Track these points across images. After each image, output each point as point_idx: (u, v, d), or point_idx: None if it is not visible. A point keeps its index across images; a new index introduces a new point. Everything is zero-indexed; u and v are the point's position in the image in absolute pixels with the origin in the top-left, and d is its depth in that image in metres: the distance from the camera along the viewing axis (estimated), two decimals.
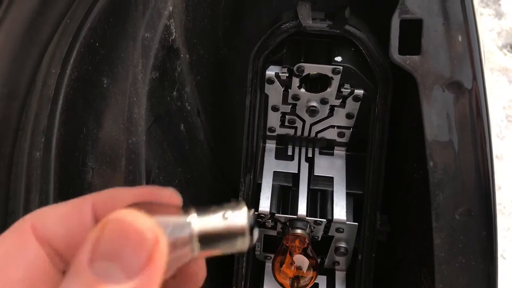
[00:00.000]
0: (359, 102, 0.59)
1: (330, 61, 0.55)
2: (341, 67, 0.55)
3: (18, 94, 0.44)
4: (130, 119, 0.52)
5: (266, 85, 0.59)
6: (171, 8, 0.51)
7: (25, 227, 0.26)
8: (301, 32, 0.56)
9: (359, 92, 0.58)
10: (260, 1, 0.65)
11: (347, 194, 0.64)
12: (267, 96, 0.60)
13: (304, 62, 0.55)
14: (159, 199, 0.27)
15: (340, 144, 0.67)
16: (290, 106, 0.61)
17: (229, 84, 0.69)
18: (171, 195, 0.27)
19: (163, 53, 0.52)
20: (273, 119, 0.64)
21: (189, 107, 0.60)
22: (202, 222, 0.25)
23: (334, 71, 0.55)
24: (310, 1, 0.57)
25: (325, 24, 0.54)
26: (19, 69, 0.44)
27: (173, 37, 0.53)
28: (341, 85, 0.57)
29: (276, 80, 0.58)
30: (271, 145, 0.68)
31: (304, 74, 0.56)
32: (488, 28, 2.03)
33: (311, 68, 0.55)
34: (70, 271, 0.22)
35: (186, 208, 0.25)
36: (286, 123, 0.64)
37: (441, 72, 0.52)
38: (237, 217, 0.25)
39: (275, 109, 0.62)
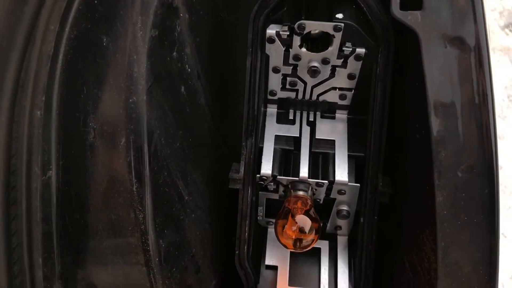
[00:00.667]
0: (361, 61, 0.59)
1: (331, 18, 0.55)
2: (342, 24, 0.54)
3: (16, 47, 0.44)
4: (130, 77, 0.52)
5: (267, 44, 0.58)
6: None
7: None
8: None
9: (361, 50, 0.57)
10: None
11: (349, 157, 0.64)
12: (267, 57, 0.60)
13: (305, 19, 0.55)
14: None
15: (342, 107, 0.67)
16: (291, 67, 0.61)
17: (229, 47, 0.68)
18: None
19: (162, 11, 0.52)
20: (274, 81, 0.63)
21: (189, 69, 0.60)
22: None
23: (336, 28, 0.54)
24: None
25: None
26: (16, 21, 0.43)
27: None
28: (342, 44, 0.57)
29: (277, 39, 0.57)
30: (272, 110, 0.68)
31: (305, 32, 0.56)
32: (490, 8, 2.01)
33: (312, 26, 0.55)
34: None
35: None
36: (287, 86, 0.64)
37: (443, 28, 0.52)
38: None
39: (276, 70, 0.61)
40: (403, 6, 0.52)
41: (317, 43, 0.58)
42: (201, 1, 0.59)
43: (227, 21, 0.66)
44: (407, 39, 0.58)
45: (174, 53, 0.56)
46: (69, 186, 0.53)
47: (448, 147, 0.53)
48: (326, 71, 0.61)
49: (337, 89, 0.64)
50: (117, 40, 0.51)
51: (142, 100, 0.53)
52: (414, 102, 0.60)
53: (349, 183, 0.62)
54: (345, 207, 0.67)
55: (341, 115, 0.68)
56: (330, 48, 0.57)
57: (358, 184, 0.63)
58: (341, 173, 0.62)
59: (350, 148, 0.65)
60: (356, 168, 0.65)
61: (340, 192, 0.64)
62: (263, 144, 0.65)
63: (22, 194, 0.50)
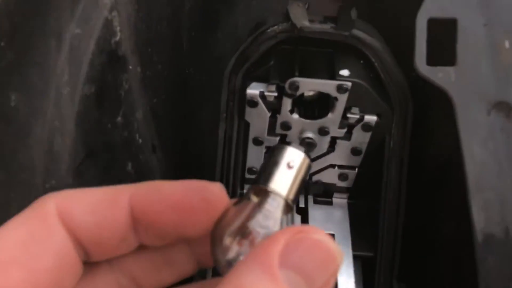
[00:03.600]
0: (370, 133, 0.44)
1: (333, 76, 0.41)
2: (349, 83, 0.40)
3: None
4: (49, 153, 0.36)
5: (247, 108, 0.44)
6: None
7: (49, 209, 0.23)
8: (294, 39, 0.42)
9: (371, 118, 0.43)
10: (235, 8, 0.51)
11: (354, 257, 0.48)
12: (247, 125, 0.45)
13: (299, 76, 0.40)
14: (208, 196, 0.24)
15: (341, 190, 0.52)
16: (278, 138, 0.46)
17: (196, 111, 0.53)
18: (219, 191, 0.25)
19: (102, 60, 0.37)
20: (255, 156, 0.48)
21: (140, 140, 0.44)
22: (285, 194, 0.24)
23: (340, 89, 0.40)
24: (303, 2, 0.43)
25: (328, 25, 0.40)
26: None
27: (117, 39, 0.38)
28: (347, 109, 0.43)
29: (260, 101, 0.43)
30: None
31: (298, 93, 0.41)
32: None
33: (308, 85, 0.41)
34: (247, 267, 0.20)
35: (247, 196, 0.24)
36: None
37: (484, 89, 0.39)
38: (294, 156, 0.25)
39: (258, 142, 0.46)
40: (431, 60, 0.39)
41: (313, 107, 0.44)
42: (160, 51, 0.44)
43: (194, 78, 0.51)
44: (431, 101, 0.45)
45: (119, 118, 0.41)
46: None
47: (498, 251, 0.38)
48: (323, 144, 0.46)
49: (337, 167, 0.49)
50: (32, 99, 0.35)
51: (66, 185, 0.36)
52: (441, 184, 0.46)
53: None
54: None
55: (340, 199, 0.52)
56: (330, 115, 0.43)
57: None
58: (346, 281, 0.46)
59: (355, 245, 0.49)
60: (364, 271, 0.49)
61: None
62: None
63: None
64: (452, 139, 0.41)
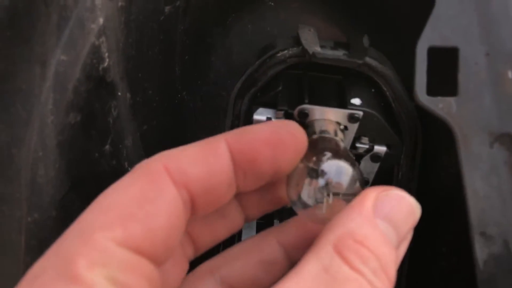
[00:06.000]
0: (379, 163, 0.43)
1: (345, 104, 0.39)
2: (361, 113, 0.39)
3: None
4: (32, 184, 0.34)
5: None
6: (101, 20, 0.34)
7: (157, 168, 0.23)
8: (304, 64, 0.40)
9: (381, 149, 0.42)
10: (229, 30, 0.50)
11: None
12: None
13: (309, 103, 0.39)
14: (292, 130, 0.27)
15: None
16: None
17: (190, 137, 0.52)
18: (299, 127, 0.27)
19: (88, 87, 0.35)
20: None
21: (129, 168, 0.42)
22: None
23: (352, 118, 0.39)
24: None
25: (340, 52, 0.39)
26: None
27: (105, 65, 0.36)
28: (356, 139, 0.41)
29: None
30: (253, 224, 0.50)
31: (308, 120, 0.40)
32: None
33: (318, 113, 0.39)
34: (348, 216, 0.24)
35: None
36: None
37: (487, 121, 0.38)
38: None
39: None
40: (432, 90, 0.38)
41: None
42: (151, 76, 0.43)
43: (188, 103, 0.50)
44: (431, 131, 0.44)
45: (107, 147, 0.39)
46: None
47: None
48: None
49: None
50: (13, 127, 0.34)
51: (50, 218, 0.35)
52: (440, 217, 0.44)
53: None
54: None
55: None
56: None
57: None
58: None
59: None
60: None
61: None
62: None
63: None
64: (453, 171, 0.39)
